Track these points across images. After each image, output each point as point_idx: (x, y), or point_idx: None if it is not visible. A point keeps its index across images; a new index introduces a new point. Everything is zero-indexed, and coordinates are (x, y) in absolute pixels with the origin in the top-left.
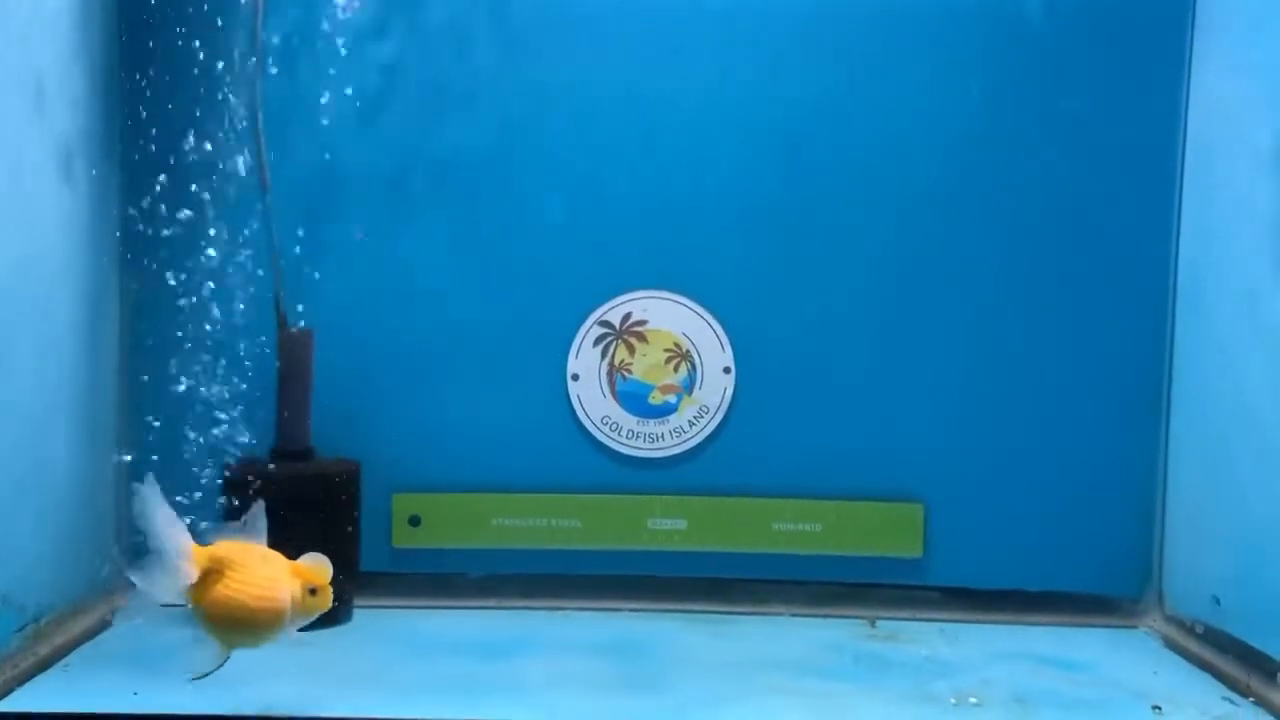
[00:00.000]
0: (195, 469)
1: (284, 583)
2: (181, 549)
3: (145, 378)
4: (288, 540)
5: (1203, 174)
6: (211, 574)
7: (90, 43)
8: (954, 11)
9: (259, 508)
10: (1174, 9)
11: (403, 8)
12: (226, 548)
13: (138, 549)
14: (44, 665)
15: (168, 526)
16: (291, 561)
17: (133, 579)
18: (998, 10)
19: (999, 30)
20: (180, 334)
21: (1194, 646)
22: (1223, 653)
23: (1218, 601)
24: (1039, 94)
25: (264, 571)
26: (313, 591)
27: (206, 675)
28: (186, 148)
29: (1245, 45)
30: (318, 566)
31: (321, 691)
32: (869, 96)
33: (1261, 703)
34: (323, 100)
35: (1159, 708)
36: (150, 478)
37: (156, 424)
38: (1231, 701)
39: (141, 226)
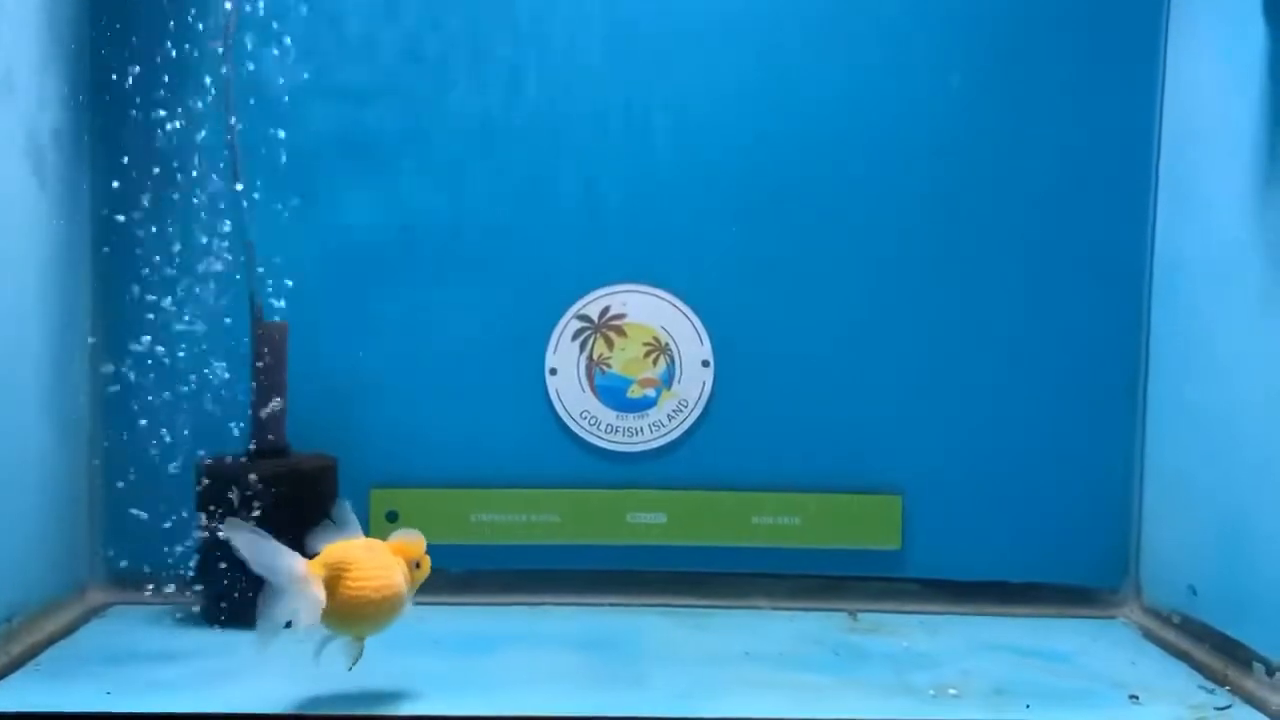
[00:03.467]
0: (169, 466)
1: (396, 567)
2: (304, 575)
3: (117, 374)
4: None
5: (1178, 164)
6: (329, 579)
7: (59, 31)
8: (931, 5)
9: (345, 503)
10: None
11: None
12: (335, 551)
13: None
14: (16, 665)
15: (282, 558)
16: (393, 541)
17: (265, 617)
18: (975, 4)
19: (976, 24)
20: (153, 328)
21: (1171, 636)
22: (1200, 642)
23: (1194, 592)
24: (1016, 87)
25: (375, 562)
26: (416, 565)
27: (356, 662)
28: (158, 139)
29: (1219, 34)
30: (414, 541)
31: (298, 689)
32: (847, 91)
33: (1238, 691)
34: (299, 91)
35: (1136, 697)
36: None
37: (130, 420)
38: (1208, 690)
39: (112, 220)
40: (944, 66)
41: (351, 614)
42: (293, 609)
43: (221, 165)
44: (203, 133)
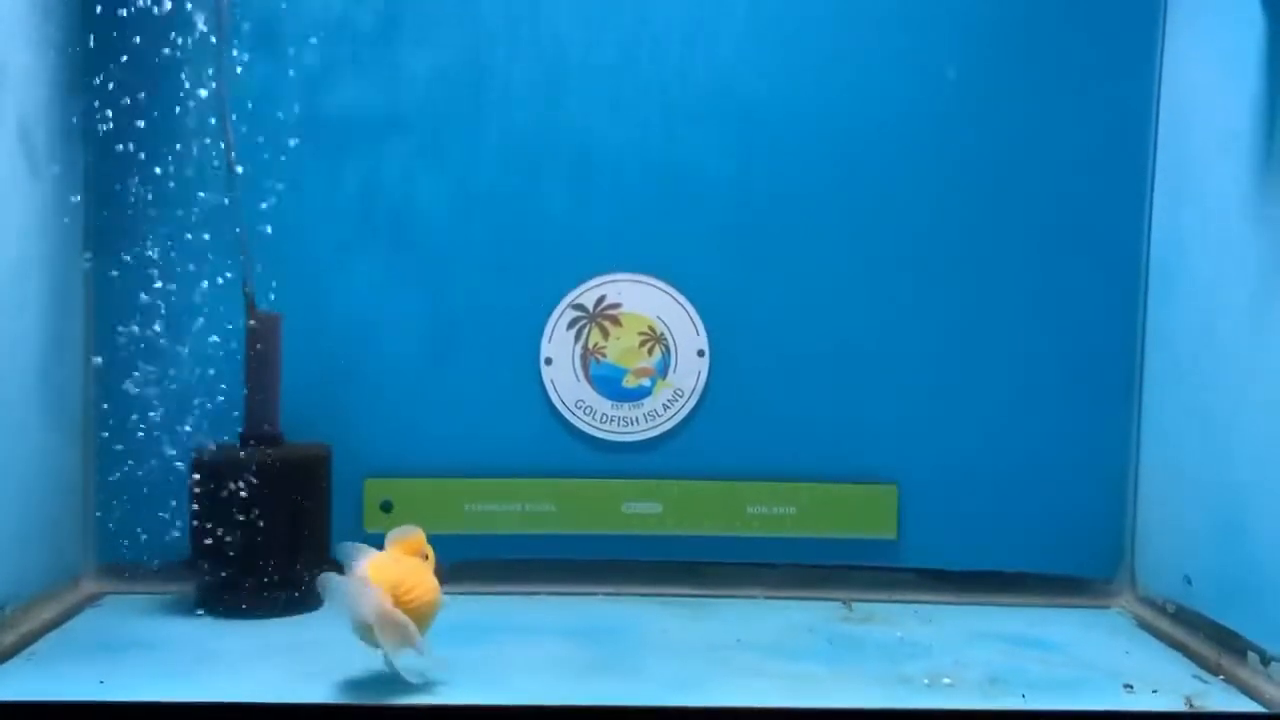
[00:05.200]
0: (163, 455)
1: (425, 568)
2: (387, 612)
3: (111, 364)
4: (257, 526)
5: (1175, 152)
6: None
7: (50, 22)
8: None
9: (344, 546)
10: None
11: None
12: (378, 574)
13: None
14: (9, 654)
15: (362, 596)
16: (397, 542)
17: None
18: None
19: (974, 16)
20: (147, 320)
21: (1166, 626)
22: (1194, 632)
23: (1189, 581)
24: (1013, 80)
25: (405, 568)
26: (425, 556)
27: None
28: (151, 130)
29: (1217, 25)
30: (416, 536)
31: (292, 679)
32: (843, 79)
33: (1232, 681)
34: (292, 81)
35: (1131, 686)
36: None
37: (123, 410)
38: (1202, 680)
39: (106, 211)
40: (941, 59)
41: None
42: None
43: (215, 152)
44: (195, 118)
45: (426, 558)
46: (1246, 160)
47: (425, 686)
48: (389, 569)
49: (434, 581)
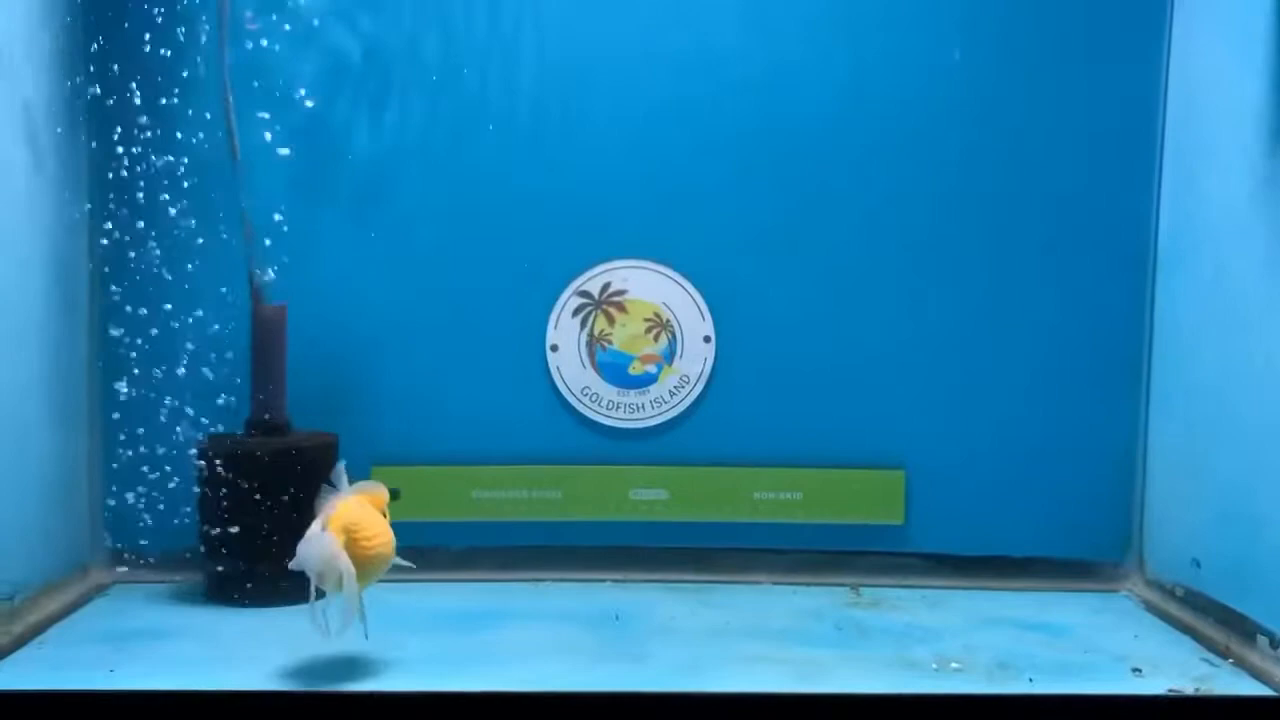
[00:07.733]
0: (170, 444)
1: (384, 521)
2: (337, 550)
3: (118, 352)
4: (265, 515)
5: (1184, 135)
6: (344, 542)
7: (55, 8)
8: None
9: (340, 465)
10: None
11: None
12: (345, 513)
13: None
14: (19, 644)
15: (316, 540)
16: (362, 491)
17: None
18: None
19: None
20: (152, 308)
21: (1174, 609)
22: (1203, 615)
23: (1197, 564)
24: (1019, 63)
25: (369, 517)
26: (384, 514)
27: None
28: (154, 117)
29: (1225, 7)
30: (380, 490)
31: (300, 667)
32: (850, 64)
33: (1240, 664)
34: (296, 70)
35: (1139, 670)
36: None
37: (131, 399)
38: (1211, 663)
39: (110, 195)
40: (946, 42)
41: (368, 570)
42: (328, 580)
43: (218, 144)
44: (198, 111)
45: (384, 515)
46: (1255, 143)
47: (432, 673)
48: (355, 510)
49: (389, 535)
